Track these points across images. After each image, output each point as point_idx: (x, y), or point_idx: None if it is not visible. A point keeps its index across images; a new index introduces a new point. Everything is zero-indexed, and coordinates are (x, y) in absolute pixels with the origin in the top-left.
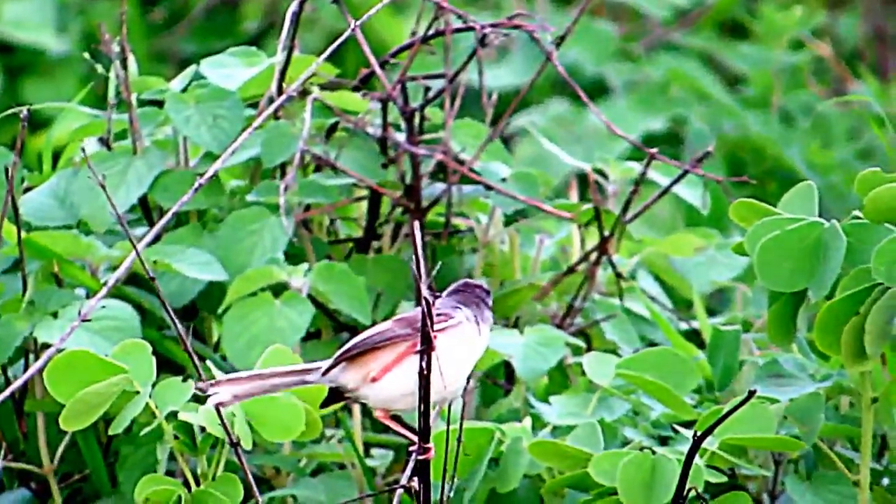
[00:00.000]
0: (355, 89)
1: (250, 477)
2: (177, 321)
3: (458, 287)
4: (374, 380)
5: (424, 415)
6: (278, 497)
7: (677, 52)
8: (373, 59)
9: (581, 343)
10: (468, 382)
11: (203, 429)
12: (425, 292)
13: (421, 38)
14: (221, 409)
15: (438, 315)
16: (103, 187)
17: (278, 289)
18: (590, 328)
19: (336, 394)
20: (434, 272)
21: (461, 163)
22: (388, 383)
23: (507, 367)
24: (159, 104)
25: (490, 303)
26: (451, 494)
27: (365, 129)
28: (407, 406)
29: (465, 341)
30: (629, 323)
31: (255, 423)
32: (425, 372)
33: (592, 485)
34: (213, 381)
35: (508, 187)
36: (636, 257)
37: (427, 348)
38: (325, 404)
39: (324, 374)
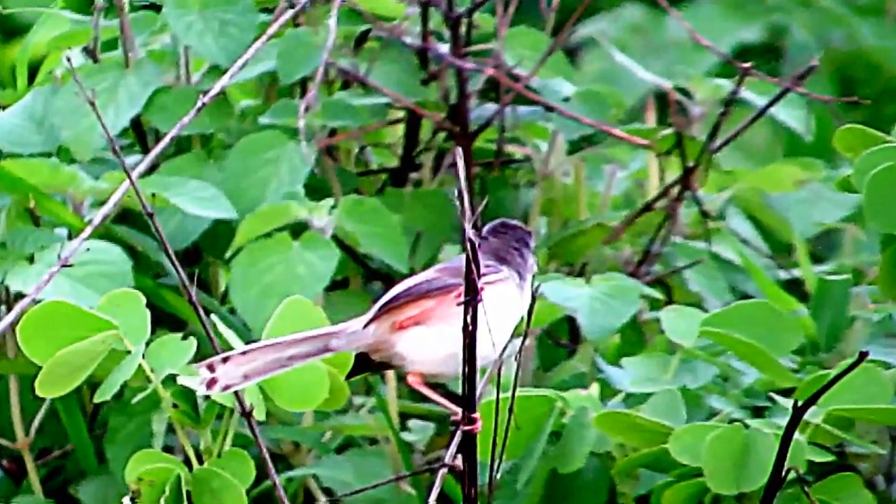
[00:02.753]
0: None
1: (265, 453)
2: (178, 266)
3: (494, 228)
4: (413, 324)
5: (470, 380)
6: (297, 477)
7: None
8: None
9: (659, 295)
10: (521, 342)
11: (207, 396)
12: (471, 233)
13: None
14: (228, 392)
15: (487, 265)
16: (93, 105)
17: (297, 229)
18: (670, 277)
19: (363, 361)
20: (483, 209)
21: (516, 79)
22: (429, 339)
23: (570, 324)
24: (156, 8)
25: (533, 248)
26: (503, 475)
27: (402, 38)
28: (449, 371)
29: (510, 301)
30: (717, 271)
31: (269, 390)
32: (470, 328)
33: (672, 464)
34: (211, 361)
35: (572, 108)
36: (726, 193)
37: (473, 300)
38: (350, 374)
39: (364, 327)
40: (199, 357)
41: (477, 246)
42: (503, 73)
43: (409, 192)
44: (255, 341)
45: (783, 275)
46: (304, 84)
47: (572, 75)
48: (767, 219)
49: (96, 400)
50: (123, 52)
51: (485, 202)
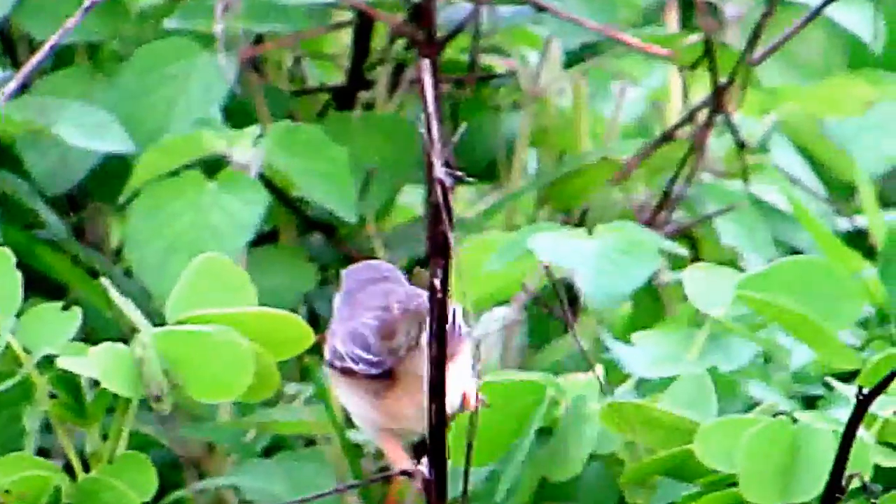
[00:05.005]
0: None
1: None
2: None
3: (358, 280)
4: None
5: (438, 365)
6: (212, 488)
7: None
8: None
9: (683, 251)
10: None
11: (96, 383)
12: (441, 172)
13: None
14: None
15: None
16: None
17: (213, 166)
18: (697, 227)
19: None
20: (456, 139)
21: None
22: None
23: (568, 289)
24: None
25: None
26: (480, 484)
27: None
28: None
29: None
30: (758, 219)
31: (175, 373)
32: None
33: (698, 471)
34: None
35: (571, 8)
36: (769, 118)
37: (445, 262)
38: None
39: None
40: (85, 332)
41: (450, 189)
42: None
43: (359, 117)
44: (156, 312)
45: (844, 224)
46: None
47: None
48: (823, 152)
49: None
50: None
51: (459, 131)
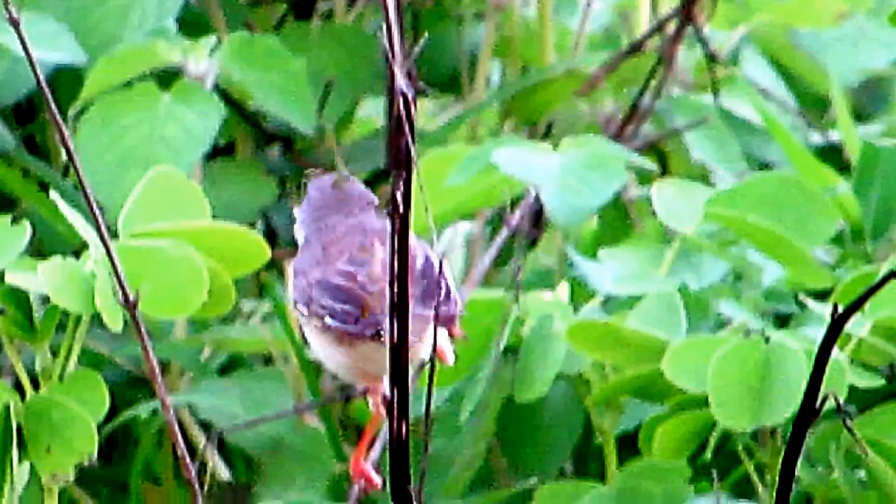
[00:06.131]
0: None
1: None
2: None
3: (326, 201)
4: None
5: (400, 280)
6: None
7: None
8: None
9: (651, 165)
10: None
11: (46, 299)
12: (402, 84)
13: None
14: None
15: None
16: None
17: (167, 77)
18: (665, 141)
19: None
20: (417, 50)
21: None
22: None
23: (533, 204)
24: None
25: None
26: (443, 406)
27: None
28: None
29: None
30: (728, 133)
31: (129, 289)
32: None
33: (667, 391)
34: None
35: None
36: (740, 29)
37: (408, 173)
38: None
39: None
40: (35, 247)
41: (412, 102)
42: None
43: (317, 27)
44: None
45: (817, 138)
46: None
47: None
48: (795, 64)
49: None
50: None
51: (420, 42)
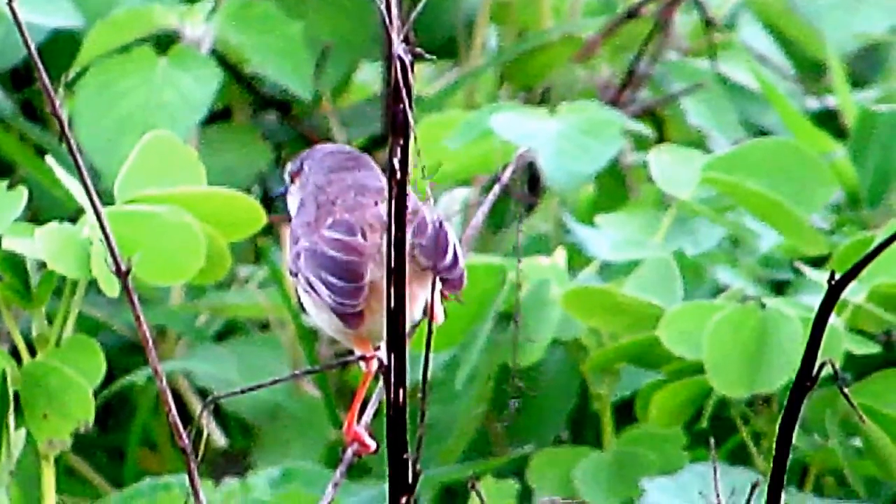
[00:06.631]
0: None
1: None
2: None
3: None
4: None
5: (397, 245)
6: (165, 373)
7: None
8: None
9: (648, 131)
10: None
11: (42, 265)
12: (399, 49)
13: None
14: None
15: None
16: None
17: (164, 41)
18: (662, 107)
19: None
20: (415, 15)
21: None
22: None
23: (529, 170)
24: None
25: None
26: (440, 371)
27: None
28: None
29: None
30: (725, 99)
31: (125, 256)
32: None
33: (664, 358)
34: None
35: None
36: None
37: (405, 144)
38: None
39: None
40: (31, 212)
41: (411, 69)
42: None
43: None
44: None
45: (813, 104)
46: None
47: None
48: (792, 29)
49: None
50: None
51: (418, 7)
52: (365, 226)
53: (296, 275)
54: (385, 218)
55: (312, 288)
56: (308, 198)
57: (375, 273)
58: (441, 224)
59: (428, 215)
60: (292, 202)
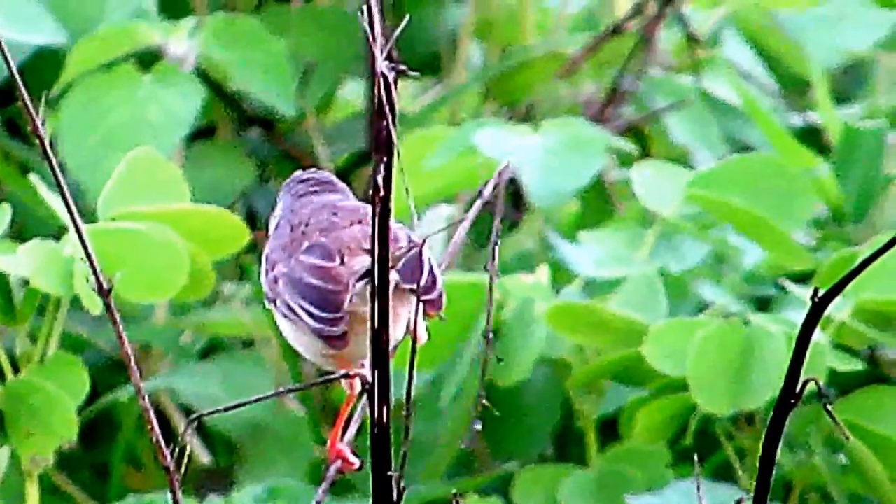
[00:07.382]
0: None
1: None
2: None
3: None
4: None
5: (381, 264)
6: (146, 391)
7: None
8: None
9: (632, 147)
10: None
11: (26, 282)
12: (383, 66)
13: None
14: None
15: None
16: None
17: (148, 59)
18: (646, 123)
19: None
20: (398, 32)
21: None
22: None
23: (512, 186)
24: None
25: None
26: (425, 389)
27: None
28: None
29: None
30: (708, 115)
31: (108, 272)
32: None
33: (648, 375)
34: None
35: None
36: (720, 10)
37: (388, 161)
38: None
39: None
40: (15, 230)
41: (393, 85)
42: None
43: (298, 8)
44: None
45: (797, 120)
46: None
47: None
48: (775, 45)
49: None
50: None
51: (402, 24)
52: (343, 248)
53: (273, 300)
54: (362, 239)
55: (294, 313)
56: (282, 221)
57: (355, 297)
58: (418, 245)
59: (404, 236)
60: (272, 225)
